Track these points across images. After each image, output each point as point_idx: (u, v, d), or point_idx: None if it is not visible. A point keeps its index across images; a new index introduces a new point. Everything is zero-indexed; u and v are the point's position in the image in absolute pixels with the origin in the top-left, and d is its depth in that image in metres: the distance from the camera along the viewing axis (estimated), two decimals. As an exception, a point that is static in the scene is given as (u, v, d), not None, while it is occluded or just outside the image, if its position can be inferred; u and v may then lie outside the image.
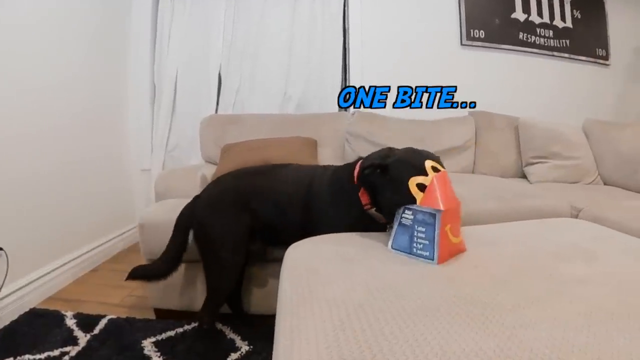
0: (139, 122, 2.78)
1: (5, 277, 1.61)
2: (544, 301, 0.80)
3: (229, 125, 2.48)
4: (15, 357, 1.41)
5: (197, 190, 1.89)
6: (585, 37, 3.06)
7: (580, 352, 0.63)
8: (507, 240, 1.17)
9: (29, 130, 1.78)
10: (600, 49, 3.09)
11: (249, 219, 1.39)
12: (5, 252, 1.60)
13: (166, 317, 1.72)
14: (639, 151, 2.22)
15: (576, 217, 1.83)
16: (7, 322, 1.62)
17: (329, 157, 2.45)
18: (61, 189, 2.01)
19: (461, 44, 2.92)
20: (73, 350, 1.47)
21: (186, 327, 1.66)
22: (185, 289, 1.68)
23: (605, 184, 2.40)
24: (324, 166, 1.51)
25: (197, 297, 1.66)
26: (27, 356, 1.43)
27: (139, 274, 1.44)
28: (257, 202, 1.40)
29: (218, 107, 2.82)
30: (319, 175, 1.42)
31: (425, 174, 1.06)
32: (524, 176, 2.52)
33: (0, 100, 1.63)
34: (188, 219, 1.44)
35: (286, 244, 1.34)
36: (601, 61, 3.09)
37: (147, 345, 1.54)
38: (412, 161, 1.11)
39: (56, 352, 1.46)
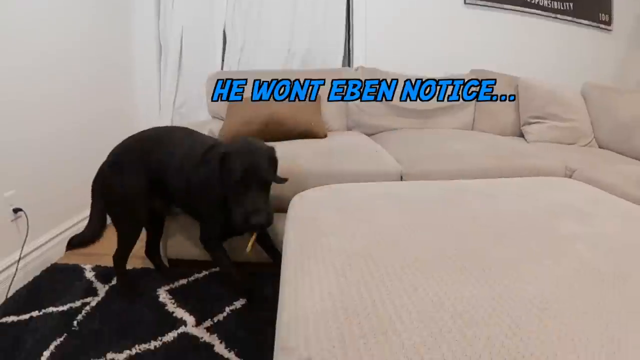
0: (146, 81, 2.75)
1: (27, 236, 1.65)
2: (537, 256, 0.82)
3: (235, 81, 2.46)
4: (40, 310, 1.46)
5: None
6: (589, 1, 2.95)
7: (567, 306, 0.66)
8: (504, 196, 1.19)
9: (41, 93, 1.77)
10: (603, 14, 2.99)
11: (147, 178, 1.44)
12: (25, 213, 1.63)
13: (179, 266, 1.80)
14: (635, 118, 2.20)
15: (570, 177, 1.84)
16: (30, 278, 1.67)
17: (333, 112, 2.47)
18: (75, 149, 2.01)
19: (465, 3, 2.83)
20: (93, 301, 1.53)
21: (196, 275, 1.73)
22: (196, 240, 1.73)
23: (599, 147, 2.39)
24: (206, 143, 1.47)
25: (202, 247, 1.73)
26: (51, 308, 1.48)
27: (75, 242, 1.52)
28: (154, 164, 1.44)
29: (223, 65, 2.79)
30: (196, 151, 1.42)
31: None
32: (521, 135, 2.53)
33: (13, 67, 1.61)
34: (97, 182, 1.49)
35: (183, 208, 1.49)
36: (604, 26, 3.00)
37: (162, 293, 1.61)
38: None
39: (78, 303, 1.51)
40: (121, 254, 1.53)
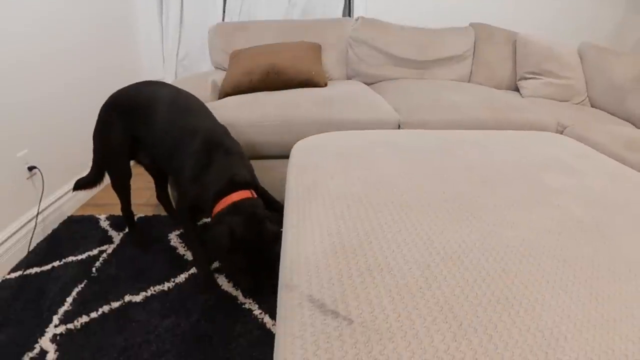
0: (148, 34, 2.67)
1: (43, 192, 1.66)
2: (524, 205, 0.83)
3: (236, 32, 2.42)
4: (60, 260, 1.51)
5: (209, 95, 1.91)
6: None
7: (549, 252, 0.67)
8: (498, 148, 1.19)
9: (45, 52, 1.71)
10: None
11: (126, 135, 1.40)
12: (39, 170, 1.64)
13: None
14: (630, 80, 2.14)
15: (561, 133, 1.83)
16: (49, 231, 1.70)
17: (333, 61, 2.44)
18: (82, 105, 1.99)
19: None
20: (109, 248, 1.58)
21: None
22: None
23: (592, 106, 2.35)
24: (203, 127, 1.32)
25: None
26: (70, 258, 1.52)
27: (79, 184, 1.56)
28: (134, 126, 1.39)
29: (224, 16, 2.71)
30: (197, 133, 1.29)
31: None
32: (517, 89, 2.49)
33: (16, 28, 1.56)
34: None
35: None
36: (603, -13, 2.87)
37: (173, 237, 1.66)
38: None
39: (95, 251, 1.56)
40: (121, 204, 1.56)
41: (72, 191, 1.59)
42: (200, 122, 1.33)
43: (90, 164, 1.54)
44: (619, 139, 1.62)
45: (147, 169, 1.65)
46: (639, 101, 2.05)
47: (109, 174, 1.52)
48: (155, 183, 1.71)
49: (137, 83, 1.47)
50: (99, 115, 1.44)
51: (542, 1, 2.79)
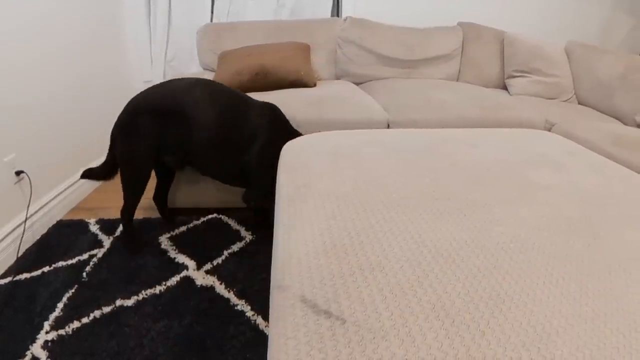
0: (137, 36, 2.65)
1: (31, 196, 1.63)
2: (513, 202, 0.83)
3: (225, 33, 2.41)
4: (50, 265, 1.48)
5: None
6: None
7: (539, 249, 0.68)
8: (485, 146, 1.19)
9: (33, 55, 1.69)
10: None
11: (158, 141, 1.42)
12: (27, 174, 1.61)
13: (178, 214, 1.82)
14: (615, 77, 2.17)
15: (549, 130, 1.85)
16: (38, 236, 1.67)
17: (322, 61, 2.45)
18: (71, 108, 1.96)
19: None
20: (100, 252, 1.56)
21: (195, 222, 1.78)
22: (191, 189, 1.76)
23: (579, 103, 2.38)
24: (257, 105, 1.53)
25: (202, 195, 1.79)
26: (60, 263, 1.50)
27: (86, 174, 1.57)
28: (165, 122, 1.40)
29: (213, 17, 2.70)
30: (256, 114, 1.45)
31: None
32: (505, 88, 2.51)
33: (3, 31, 1.54)
34: (113, 133, 1.48)
35: (202, 170, 1.43)
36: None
37: (164, 240, 1.65)
38: None
39: (85, 256, 1.54)
40: (126, 207, 1.53)
41: (79, 178, 1.59)
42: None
43: (81, 166, 1.52)
44: (607, 135, 1.63)
45: (161, 170, 1.64)
46: (626, 98, 2.08)
47: (125, 180, 1.48)
48: (159, 184, 1.69)
49: (165, 84, 1.47)
50: (124, 122, 1.42)
51: (529, 0, 2.82)
